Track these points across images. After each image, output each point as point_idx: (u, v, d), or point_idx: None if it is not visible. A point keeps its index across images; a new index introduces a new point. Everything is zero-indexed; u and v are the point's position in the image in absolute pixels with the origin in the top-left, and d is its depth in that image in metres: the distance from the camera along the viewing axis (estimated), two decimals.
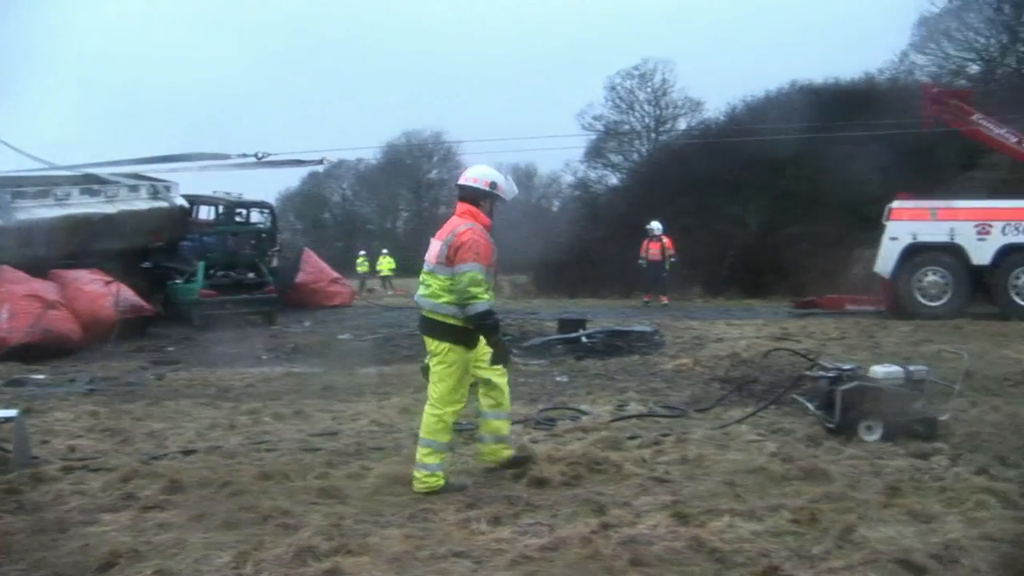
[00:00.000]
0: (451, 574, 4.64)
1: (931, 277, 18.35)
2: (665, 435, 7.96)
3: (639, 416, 8.99)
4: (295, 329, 20.56)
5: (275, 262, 26.29)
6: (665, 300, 24.17)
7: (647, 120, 55.49)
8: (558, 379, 11.82)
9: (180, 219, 23.89)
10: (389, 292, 39.65)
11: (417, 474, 6.26)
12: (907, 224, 18.59)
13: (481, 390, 6.62)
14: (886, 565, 4.51)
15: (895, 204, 18.87)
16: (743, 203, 30.97)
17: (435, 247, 6.44)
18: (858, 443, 7.30)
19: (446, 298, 6.28)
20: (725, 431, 8.09)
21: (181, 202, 23.69)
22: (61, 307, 17.00)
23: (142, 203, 22.14)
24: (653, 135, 54.42)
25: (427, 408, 6.36)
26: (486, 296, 6.20)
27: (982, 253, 18.03)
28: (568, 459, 6.71)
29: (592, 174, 55.40)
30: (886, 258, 18.69)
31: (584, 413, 9.14)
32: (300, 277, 26.69)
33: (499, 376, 6.58)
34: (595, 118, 55.53)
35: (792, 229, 28.99)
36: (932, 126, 21.50)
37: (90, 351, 16.54)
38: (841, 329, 16.09)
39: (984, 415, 8.40)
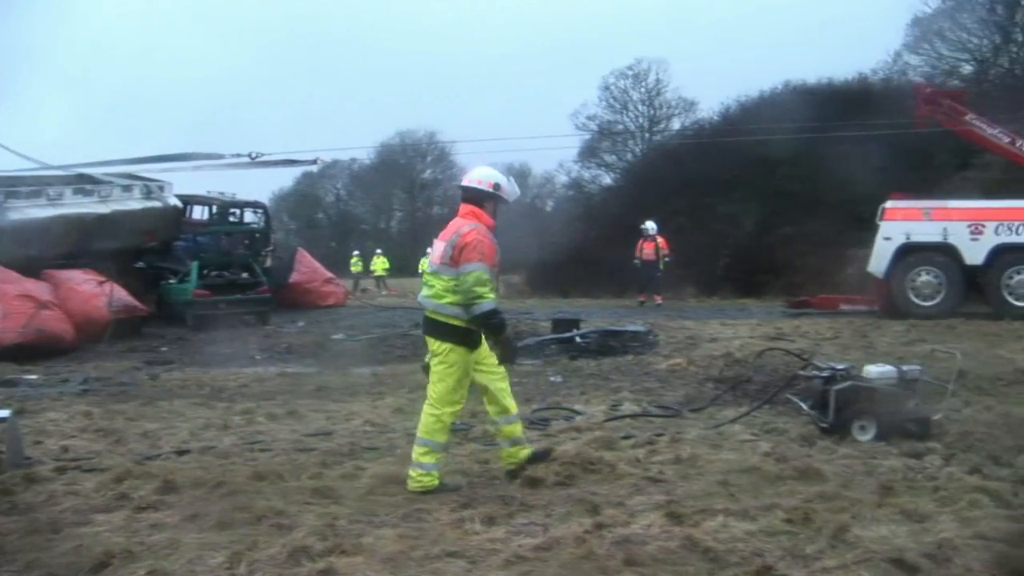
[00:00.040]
0: (445, 574, 4.63)
1: (924, 277, 18.40)
2: (659, 435, 7.96)
3: (633, 416, 9.00)
4: (289, 329, 20.55)
5: (269, 262, 26.25)
6: (659, 300, 24.19)
7: (641, 120, 55.61)
8: (552, 379, 11.82)
9: (174, 219, 23.89)
10: (383, 292, 39.64)
11: (412, 473, 6.26)
12: (900, 224, 18.63)
13: (485, 399, 6.64)
14: (879, 564, 4.51)
15: (888, 204, 18.91)
16: (737, 203, 30.94)
17: (439, 248, 6.45)
18: (852, 443, 7.31)
19: (449, 299, 6.29)
20: (719, 431, 8.09)
21: (175, 202, 23.69)
22: (54, 307, 16.99)
23: (135, 203, 22.14)
24: (647, 135, 54.50)
25: (425, 407, 6.37)
26: (491, 296, 6.22)
27: (975, 253, 18.08)
28: (562, 459, 6.70)
29: (586, 174, 55.55)
30: (880, 258, 18.73)
31: (578, 413, 9.14)
32: (294, 277, 26.67)
33: (499, 381, 6.56)
34: (589, 118, 55.68)
35: (786, 229, 29.00)
36: (925, 126, 21.53)
37: (83, 351, 16.53)
38: (835, 329, 16.12)
39: (977, 415, 8.41)
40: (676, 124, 52.88)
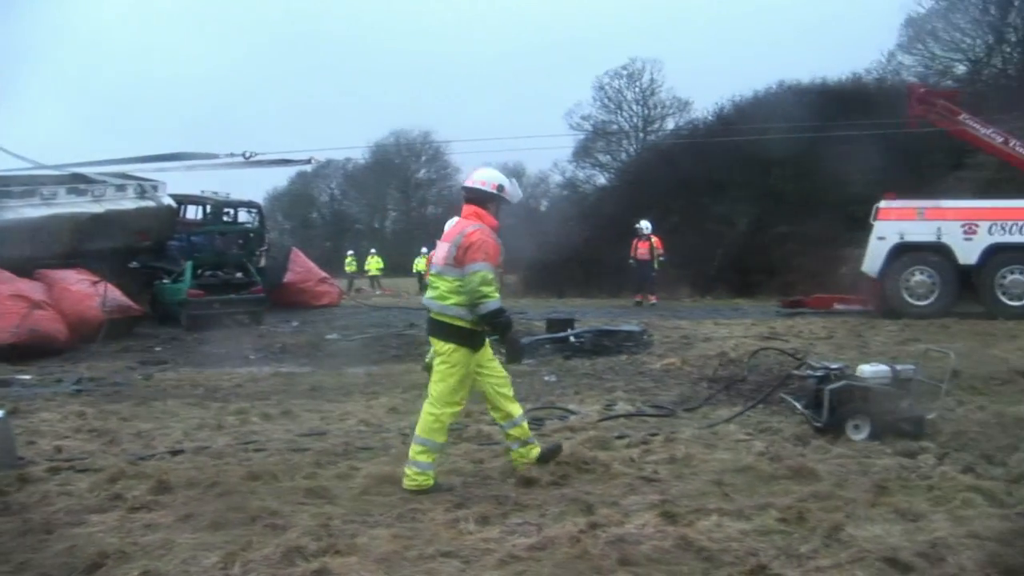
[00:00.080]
0: (439, 574, 4.63)
1: (918, 276, 18.43)
2: (653, 434, 7.97)
3: (627, 416, 9.00)
4: (283, 329, 20.52)
5: (263, 262, 26.20)
6: (653, 299, 24.20)
7: (635, 120, 55.78)
8: (546, 379, 11.82)
9: (167, 219, 23.82)
10: (377, 292, 39.62)
11: (408, 471, 6.26)
12: (894, 224, 18.66)
13: (488, 405, 6.67)
14: (873, 563, 4.52)
15: (882, 204, 18.94)
16: (731, 203, 31.00)
17: (443, 249, 6.48)
18: (846, 442, 7.32)
19: (454, 299, 6.32)
20: (713, 430, 8.10)
21: (169, 202, 23.63)
22: (48, 307, 16.96)
23: (129, 203, 22.07)
24: (641, 135, 54.62)
25: (426, 406, 6.38)
26: (496, 295, 6.26)
27: (969, 253, 18.11)
28: (556, 459, 6.70)
29: (580, 174, 55.71)
30: (873, 258, 18.75)
31: (572, 413, 9.15)
32: (288, 277, 26.61)
33: (501, 387, 6.56)
34: (583, 118, 55.82)
35: (780, 229, 29.06)
36: (919, 126, 21.55)
37: (77, 351, 16.50)
38: (829, 328, 16.14)
39: (971, 414, 8.43)
40: (670, 124, 53.12)
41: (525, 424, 6.72)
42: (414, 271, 41.06)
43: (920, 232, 18.51)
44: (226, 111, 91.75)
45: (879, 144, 23.12)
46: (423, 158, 73.81)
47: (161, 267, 23.44)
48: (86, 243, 20.20)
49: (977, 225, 18.12)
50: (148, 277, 23.09)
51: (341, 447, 7.80)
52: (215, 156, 22.71)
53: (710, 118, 40.16)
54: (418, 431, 6.34)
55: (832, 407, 7.56)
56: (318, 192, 77.16)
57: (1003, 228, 17.99)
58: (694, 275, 29.28)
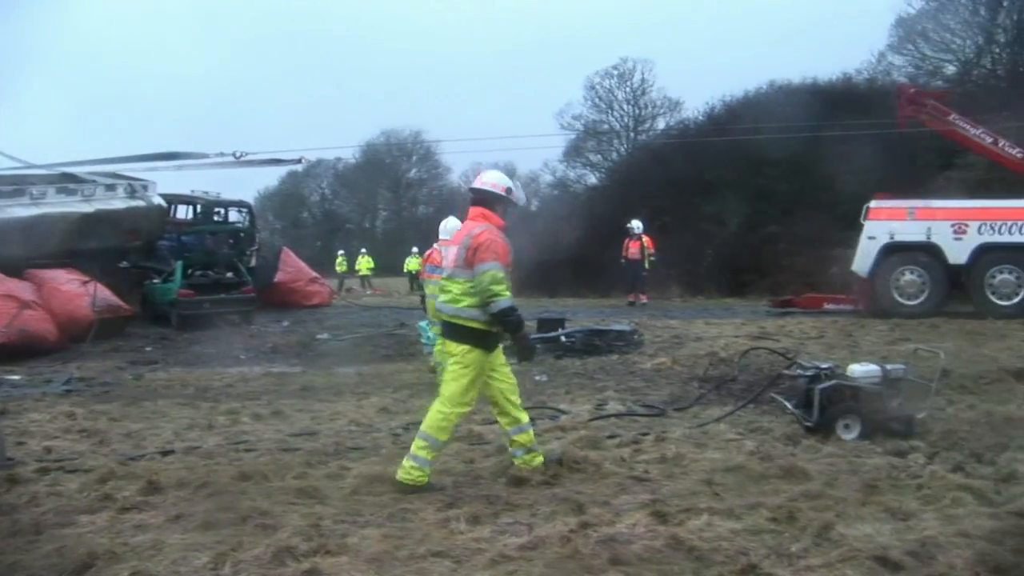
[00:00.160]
0: (430, 574, 4.62)
1: (908, 276, 18.48)
2: (644, 434, 7.98)
3: (618, 415, 9.02)
4: (274, 329, 20.50)
5: (254, 262, 26.18)
6: (644, 299, 24.23)
7: (626, 120, 55.82)
8: (537, 378, 11.82)
9: (158, 218, 23.78)
10: (368, 292, 39.58)
11: (406, 463, 6.27)
12: (884, 223, 18.71)
13: (495, 411, 6.70)
14: (864, 562, 4.53)
15: (873, 204, 18.99)
16: (722, 203, 30.98)
17: (452, 252, 6.61)
18: (836, 441, 7.34)
19: (467, 301, 6.37)
20: (704, 430, 8.12)
21: (159, 201, 23.59)
22: (37, 307, 16.91)
23: (119, 202, 22.04)
24: (632, 134, 54.68)
25: (436, 405, 6.40)
26: (507, 294, 6.31)
27: (958, 252, 18.16)
28: (545, 456, 6.70)
29: (571, 173, 55.78)
30: (864, 257, 18.80)
31: (563, 412, 9.15)
32: (279, 277, 26.57)
33: (509, 393, 6.59)
34: (574, 117, 55.87)
35: (771, 229, 29.07)
36: (908, 126, 21.61)
37: (67, 351, 16.46)
38: (819, 328, 16.17)
39: (960, 413, 8.46)
40: (661, 124, 53.17)
41: (531, 432, 6.74)
42: (405, 271, 41.02)
43: (910, 232, 18.56)
44: (216, 111, 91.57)
45: (870, 144, 23.15)
46: (414, 158, 73.76)
47: (151, 267, 23.41)
48: (76, 243, 20.16)
49: (967, 225, 18.18)
50: (138, 277, 23.05)
51: (332, 447, 7.81)
52: (205, 156, 22.64)
53: (701, 118, 40.18)
54: (424, 427, 6.36)
55: (822, 407, 7.58)
56: (309, 192, 77.05)
57: (992, 228, 18.05)
58: (685, 275, 29.29)
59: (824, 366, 8.06)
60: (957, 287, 18.53)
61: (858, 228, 19.11)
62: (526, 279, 34.02)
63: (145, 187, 23.07)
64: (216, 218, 27.71)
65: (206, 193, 27.64)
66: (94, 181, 21.77)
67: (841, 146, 24.02)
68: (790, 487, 5.99)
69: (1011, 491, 5.80)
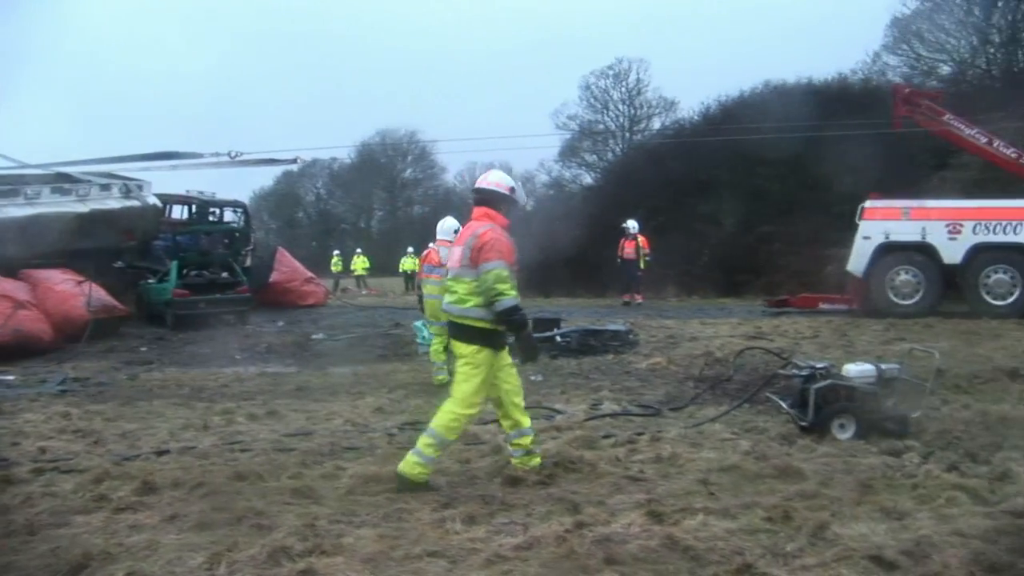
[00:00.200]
0: (426, 574, 4.62)
1: (903, 276, 18.50)
2: (639, 434, 7.98)
3: (613, 415, 9.02)
4: (269, 329, 20.47)
5: (249, 261, 26.15)
6: (640, 299, 24.24)
7: (621, 119, 55.90)
8: (532, 378, 11.80)
9: (153, 218, 23.74)
10: (363, 292, 39.56)
11: (410, 457, 6.27)
12: (880, 223, 18.73)
13: (499, 413, 6.69)
14: (859, 562, 4.54)
15: (868, 203, 19.02)
16: (717, 202, 31.03)
17: (456, 252, 6.58)
18: (831, 441, 7.35)
19: (474, 301, 6.37)
20: (699, 430, 8.12)
21: (154, 201, 23.55)
22: (32, 307, 16.87)
23: (114, 202, 22.00)
24: (627, 134, 54.72)
25: (449, 405, 6.38)
26: (512, 292, 6.31)
27: (953, 252, 18.20)
28: (542, 458, 6.71)
29: (567, 173, 55.82)
30: (859, 257, 18.83)
31: (558, 412, 9.15)
32: (274, 276, 26.55)
33: (514, 395, 6.60)
34: (570, 117, 55.95)
35: (766, 228, 29.10)
36: (903, 127, 21.63)
37: (62, 351, 16.43)
38: (814, 328, 16.18)
39: (955, 413, 8.47)
40: (656, 124, 53.27)
41: (532, 436, 6.73)
42: (400, 271, 41.02)
43: (905, 232, 18.59)
44: (214, 109, 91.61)
45: (865, 144, 23.16)
46: (409, 157, 73.79)
47: (146, 267, 23.36)
48: (71, 243, 20.11)
49: (961, 225, 18.22)
50: (133, 277, 23.01)
51: (327, 447, 7.80)
52: (200, 155, 22.62)
53: (696, 118, 40.23)
54: (434, 425, 6.34)
55: (818, 406, 7.59)
56: (304, 192, 77.05)
57: (987, 228, 18.09)
58: (680, 274, 29.32)
59: (819, 366, 8.06)
60: (952, 287, 18.55)
61: (853, 228, 19.13)
62: (522, 279, 34.02)
63: (140, 187, 23.04)
64: (211, 218, 27.67)
65: (201, 193, 27.60)
66: (89, 181, 21.73)
67: (836, 146, 24.01)
68: (785, 487, 6.00)
69: (1005, 490, 5.81)
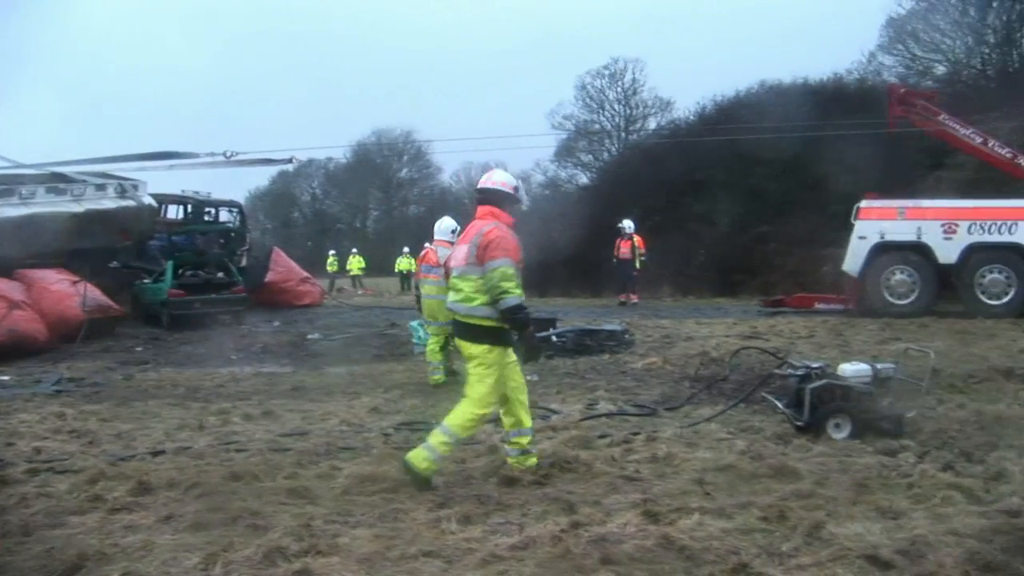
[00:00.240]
0: (421, 574, 4.62)
1: (899, 276, 18.54)
2: (635, 434, 7.98)
3: (609, 415, 9.02)
4: (264, 329, 20.45)
5: (244, 261, 26.14)
6: (635, 299, 24.26)
7: (617, 119, 55.96)
8: (528, 378, 11.72)
9: (148, 218, 23.69)
10: (359, 291, 39.56)
11: (423, 452, 6.25)
12: (875, 223, 18.77)
13: (502, 410, 6.68)
14: (854, 561, 4.54)
15: (863, 203, 19.05)
16: (713, 202, 31.08)
17: (462, 250, 6.57)
18: (827, 441, 7.35)
19: (481, 300, 6.36)
20: (695, 429, 8.12)
21: (149, 201, 23.51)
22: (27, 307, 16.82)
23: (109, 202, 21.95)
24: (623, 134, 54.77)
25: (466, 406, 6.36)
26: (517, 291, 6.29)
27: (948, 252, 18.24)
28: (538, 458, 6.70)
29: (562, 173, 55.89)
30: (854, 257, 18.86)
31: (554, 412, 9.15)
32: (270, 276, 26.52)
33: (519, 393, 6.59)
34: (565, 117, 56.03)
35: (762, 228, 29.17)
36: (899, 126, 21.67)
37: (57, 351, 16.37)
38: (810, 328, 16.21)
39: (950, 412, 8.47)
40: (652, 123, 53.36)
41: (531, 436, 6.73)
42: (396, 271, 41.03)
43: (900, 231, 18.63)
44: (211, 108, 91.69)
45: (860, 144, 23.22)
46: (405, 157, 73.84)
47: (142, 267, 23.33)
48: (66, 243, 20.07)
49: (957, 225, 18.26)
50: (129, 277, 22.96)
51: (322, 447, 7.79)
52: (196, 155, 22.57)
53: (692, 118, 40.34)
54: (451, 424, 6.32)
55: (813, 406, 7.59)
56: (300, 192, 77.05)
57: (982, 228, 18.14)
58: (676, 274, 29.35)
59: (815, 365, 8.07)
60: (947, 287, 18.60)
61: (849, 228, 19.17)
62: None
63: (135, 187, 22.98)
64: (207, 218, 27.65)
65: (196, 193, 27.57)
66: (84, 181, 21.68)
67: (832, 146, 24.07)
68: (781, 486, 6.00)
69: (1000, 490, 5.82)
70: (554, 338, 14.33)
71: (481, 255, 6.32)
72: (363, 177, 73.00)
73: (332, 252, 44.66)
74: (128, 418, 9.61)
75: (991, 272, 18.04)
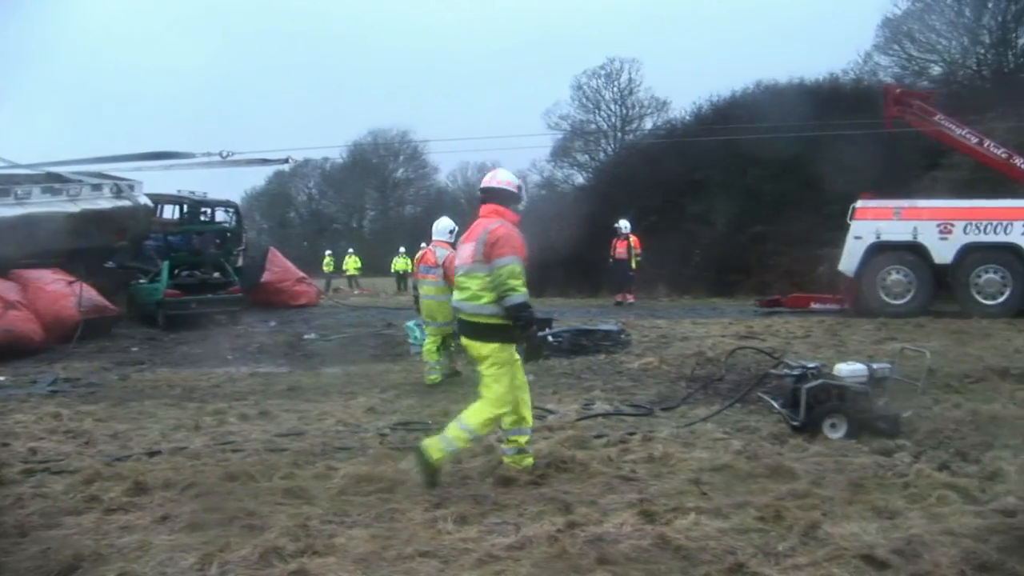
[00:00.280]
0: (418, 574, 4.62)
1: (894, 276, 18.56)
2: (631, 434, 7.98)
3: (605, 415, 9.02)
4: (261, 329, 20.43)
5: (240, 261, 26.12)
6: (631, 299, 24.26)
7: (613, 119, 55.94)
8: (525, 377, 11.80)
9: (144, 218, 23.67)
10: (355, 292, 39.53)
11: (439, 443, 6.25)
12: (871, 223, 18.78)
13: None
14: (850, 561, 4.55)
15: (859, 203, 19.06)
16: (709, 202, 31.09)
17: (467, 248, 6.55)
18: (823, 440, 7.36)
19: (487, 298, 6.35)
20: (691, 429, 8.12)
21: (145, 201, 23.48)
22: (22, 307, 16.80)
23: (105, 202, 21.91)
24: (619, 134, 54.77)
25: (483, 406, 6.36)
26: (523, 289, 6.29)
27: (944, 252, 18.27)
28: (535, 458, 6.70)
29: (559, 173, 55.90)
30: (850, 257, 18.87)
31: (550, 412, 9.14)
32: (266, 277, 26.49)
33: (522, 392, 6.59)
34: (561, 117, 56.01)
35: (757, 228, 29.17)
36: (894, 127, 21.69)
37: (52, 352, 16.37)
38: (806, 328, 16.21)
39: (946, 412, 8.48)
40: (648, 124, 53.33)
41: (529, 436, 6.73)
42: (392, 271, 41.01)
43: (896, 231, 18.65)
44: (210, 108, 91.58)
45: (856, 144, 23.23)
46: (401, 157, 73.80)
47: (138, 267, 23.31)
48: (62, 243, 20.03)
49: (952, 225, 18.28)
50: (124, 277, 22.94)
51: (319, 447, 7.78)
52: (192, 155, 22.57)
53: (688, 118, 40.31)
54: (471, 422, 6.31)
55: (809, 406, 7.59)
56: (296, 192, 76.96)
57: (978, 228, 18.16)
58: (672, 274, 29.35)
59: (811, 365, 8.08)
60: (943, 286, 18.62)
61: (845, 228, 19.18)
62: None
63: (131, 187, 22.95)
64: (203, 218, 27.63)
65: (193, 193, 27.55)
66: (80, 181, 21.65)
67: (828, 146, 24.09)
68: (777, 486, 6.01)
69: (996, 489, 5.83)
70: (550, 338, 14.32)
71: (488, 252, 6.32)
72: (359, 177, 72.97)
73: (328, 252, 44.62)
74: (124, 418, 9.61)
75: (987, 272, 18.06)
